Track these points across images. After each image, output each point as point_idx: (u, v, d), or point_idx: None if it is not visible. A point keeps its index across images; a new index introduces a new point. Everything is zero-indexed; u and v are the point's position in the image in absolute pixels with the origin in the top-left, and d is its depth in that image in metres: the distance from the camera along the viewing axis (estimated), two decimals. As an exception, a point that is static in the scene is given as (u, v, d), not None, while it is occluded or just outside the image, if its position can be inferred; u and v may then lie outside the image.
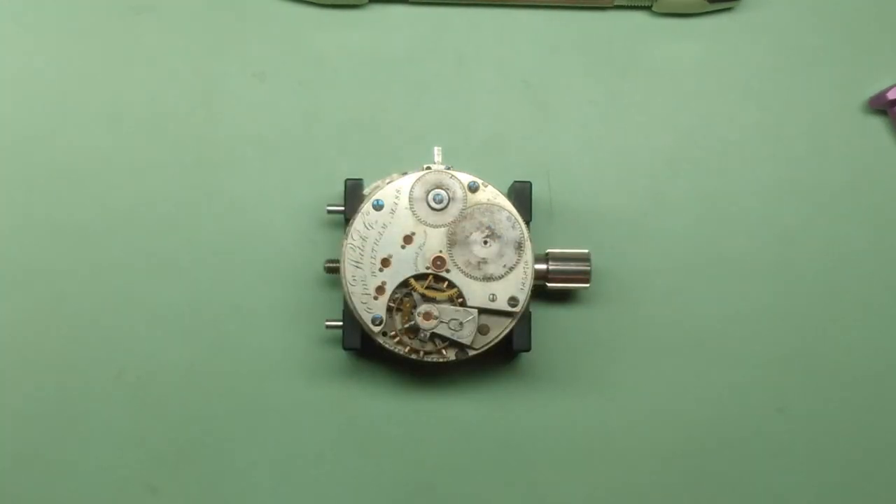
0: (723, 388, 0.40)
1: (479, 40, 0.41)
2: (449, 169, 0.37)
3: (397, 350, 0.37)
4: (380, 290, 0.37)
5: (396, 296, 0.37)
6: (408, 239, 0.37)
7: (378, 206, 0.37)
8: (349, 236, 0.37)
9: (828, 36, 0.41)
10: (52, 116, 0.40)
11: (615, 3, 0.41)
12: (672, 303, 0.40)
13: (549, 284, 0.38)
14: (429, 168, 0.37)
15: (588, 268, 0.38)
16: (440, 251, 0.37)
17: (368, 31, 0.41)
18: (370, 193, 0.37)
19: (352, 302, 0.37)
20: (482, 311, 0.37)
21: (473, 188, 0.37)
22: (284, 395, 0.40)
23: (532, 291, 0.37)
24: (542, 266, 0.38)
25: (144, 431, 0.40)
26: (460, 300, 0.37)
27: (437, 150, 0.38)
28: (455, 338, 0.37)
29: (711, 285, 0.40)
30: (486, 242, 0.37)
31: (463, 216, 0.37)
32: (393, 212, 0.37)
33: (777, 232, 0.41)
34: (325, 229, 0.40)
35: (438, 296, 0.37)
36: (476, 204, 0.37)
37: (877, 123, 0.41)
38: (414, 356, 0.37)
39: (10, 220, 0.40)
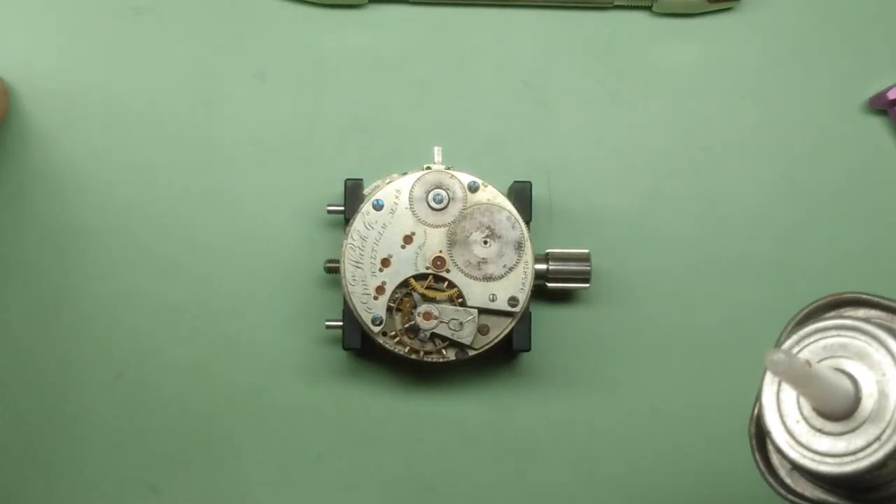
0: (723, 387, 0.40)
1: (479, 40, 0.41)
2: (449, 169, 0.37)
3: (397, 350, 0.37)
4: (380, 290, 0.37)
5: (396, 296, 0.37)
6: (408, 239, 0.37)
7: (378, 206, 0.37)
8: (349, 236, 0.37)
9: (828, 36, 0.41)
10: (53, 116, 0.40)
11: (615, 3, 0.41)
12: (672, 303, 0.40)
13: (549, 284, 0.38)
14: (429, 168, 0.37)
15: (588, 268, 0.38)
16: (440, 251, 0.37)
17: (368, 31, 0.41)
18: (370, 193, 0.37)
19: (352, 302, 0.37)
20: (482, 311, 0.37)
21: (473, 188, 0.37)
22: (284, 395, 0.40)
23: (532, 291, 0.37)
24: (542, 266, 0.38)
25: (144, 431, 0.40)
26: (460, 300, 0.37)
27: (437, 150, 0.38)
28: (455, 338, 0.37)
29: (711, 285, 0.40)
30: (486, 242, 0.37)
31: (463, 216, 0.37)
32: (393, 212, 0.37)
33: (777, 232, 0.41)
34: (325, 229, 0.40)
35: (438, 296, 0.37)
36: (476, 204, 0.37)
37: (877, 123, 0.41)
38: (414, 356, 0.37)
39: (10, 220, 0.40)
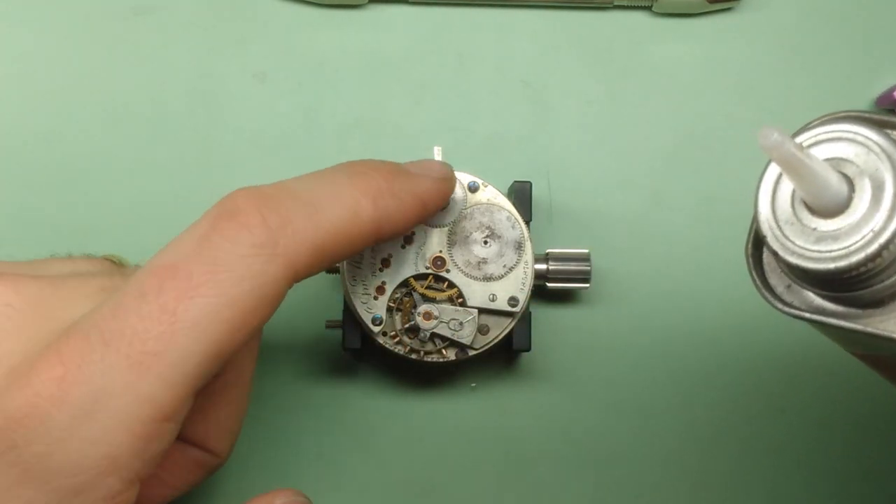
0: (723, 388, 0.40)
1: (479, 40, 0.41)
2: (449, 169, 0.37)
3: (397, 350, 0.37)
4: (380, 290, 0.37)
5: (396, 296, 0.37)
6: (408, 239, 0.37)
7: (378, 206, 0.37)
8: (349, 236, 0.37)
9: (830, 35, 0.41)
10: (52, 116, 0.40)
11: (615, 3, 0.41)
12: (672, 303, 0.40)
13: (549, 284, 0.38)
14: (429, 168, 0.37)
15: (588, 268, 0.38)
16: (440, 251, 0.37)
17: (368, 31, 0.41)
18: (370, 193, 0.37)
19: (352, 302, 0.37)
20: (482, 311, 0.37)
21: (473, 188, 0.37)
22: (284, 395, 0.40)
23: (532, 291, 0.37)
24: (542, 266, 0.38)
25: (144, 431, 0.40)
26: (460, 300, 0.37)
27: (437, 150, 0.38)
28: (455, 338, 0.37)
29: (711, 285, 0.40)
30: (486, 242, 0.37)
31: (463, 216, 0.37)
32: (393, 212, 0.37)
33: (777, 232, 0.41)
34: (325, 229, 0.40)
35: (438, 296, 0.37)
36: (476, 204, 0.37)
37: (877, 123, 0.41)
38: (414, 356, 0.37)
39: (10, 220, 0.40)
